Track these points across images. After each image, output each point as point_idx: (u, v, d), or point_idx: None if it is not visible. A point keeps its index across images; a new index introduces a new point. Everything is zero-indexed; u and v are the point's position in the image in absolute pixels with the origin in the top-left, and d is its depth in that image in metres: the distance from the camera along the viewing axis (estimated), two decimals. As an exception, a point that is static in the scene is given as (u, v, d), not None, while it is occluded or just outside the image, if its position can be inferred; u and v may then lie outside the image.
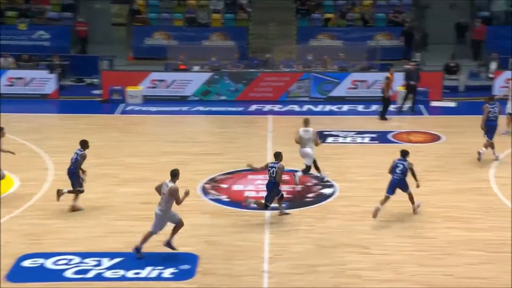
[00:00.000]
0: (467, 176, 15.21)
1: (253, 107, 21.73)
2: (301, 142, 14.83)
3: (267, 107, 21.63)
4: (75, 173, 13.38)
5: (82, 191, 13.45)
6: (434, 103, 21.26)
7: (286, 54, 23.63)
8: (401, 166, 13.14)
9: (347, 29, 25.56)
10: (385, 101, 19.79)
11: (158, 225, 11.50)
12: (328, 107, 21.59)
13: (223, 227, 12.86)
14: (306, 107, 21.59)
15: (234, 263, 11.40)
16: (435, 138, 17.99)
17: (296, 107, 21.66)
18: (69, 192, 13.41)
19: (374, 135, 18.32)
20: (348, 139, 18.04)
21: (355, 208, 13.62)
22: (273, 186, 13.08)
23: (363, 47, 24.49)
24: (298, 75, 22.45)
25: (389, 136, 18.23)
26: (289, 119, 20.41)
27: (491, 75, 21.92)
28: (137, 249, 11.49)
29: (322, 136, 18.25)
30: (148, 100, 22.09)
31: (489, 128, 16.17)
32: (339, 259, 11.52)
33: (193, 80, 22.46)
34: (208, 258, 11.55)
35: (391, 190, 13.12)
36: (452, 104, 21.16)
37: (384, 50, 24.61)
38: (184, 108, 21.60)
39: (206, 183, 15.06)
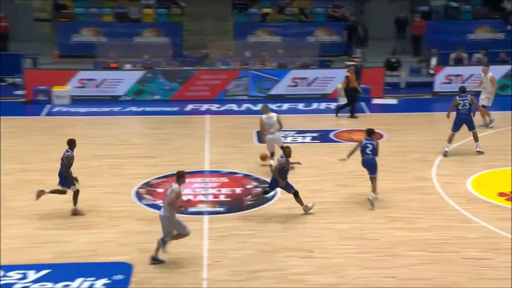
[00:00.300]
0: (409, 175, 15.63)
1: (189, 107, 21.67)
2: (265, 129, 15.47)
3: (204, 107, 21.62)
4: (62, 174, 13.26)
5: (64, 192, 13.34)
6: (376, 101, 21.72)
7: (223, 50, 23.67)
8: (371, 146, 13.80)
9: (285, 25, 25.81)
10: (349, 97, 20.02)
11: (179, 228, 11.53)
12: (267, 106, 21.73)
13: (159, 234, 12.77)
14: (244, 106, 21.69)
15: (171, 272, 11.36)
16: (377, 136, 18.32)
17: (234, 106, 21.73)
18: (74, 198, 13.41)
19: (315, 134, 18.59)
20: (289, 139, 18.23)
21: (296, 210, 13.79)
22: (274, 179, 13.52)
23: (303, 43, 24.78)
24: (236, 72, 22.54)
25: (331, 135, 18.53)
26: (227, 118, 20.47)
27: (431, 71, 22.55)
28: None
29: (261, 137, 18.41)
30: (77, 100, 21.72)
31: (464, 121, 16.75)
32: (281, 264, 11.64)
33: (125, 79, 22.22)
34: (143, 267, 11.46)
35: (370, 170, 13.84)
36: (393, 101, 21.66)
37: (324, 46, 24.98)
38: (116, 109, 21.35)
39: (140, 188, 14.94)
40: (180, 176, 11.54)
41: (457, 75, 22.07)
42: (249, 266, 11.56)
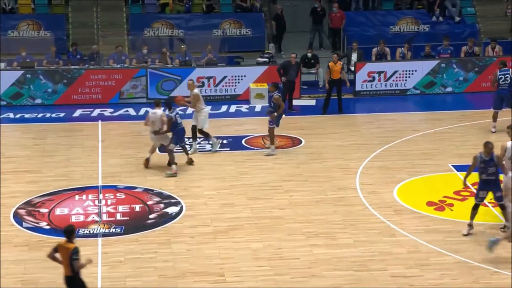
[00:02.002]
0: (330, 184, 15.91)
1: (78, 112, 21.28)
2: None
3: (96, 112, 21.28)
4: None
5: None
6: (293, 102, 21.95)
7: (116, 46, 23.38)
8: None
9: (188, 16, 25.77)
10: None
11: None
12: (169, 109, 21.62)
13: (43, 261, 12.43)
14: (143, 110, 21.44)
15: (59, 306, 11.11)
16: (296, 142, 18.63)
17: (131, 111, 21.48)
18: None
19: (225, 141, 18.63)
20: (196, 146, 18.20)
21: (204, 228, 13.81)
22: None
23: (208, 37, 24.82)
24: (132, 72, 22.30)
25: (243, 142, 18.64)
26: (123, 125, 20.23)
27: (352, 68, 23.07)
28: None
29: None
30: None
31: (504, 97, 18.25)
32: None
33: (-2, 81, 21.60)
34: (26, 302, 11.18)
35: None
36: (310, 102, 22.01)
37: (232, 40, 25.11)
38: (-12, 116, 20.74)
39: (19, 208, 14.55)
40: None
41: (380, 72, 22.68)
42: (151, 296, 11.48)
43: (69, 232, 10.35)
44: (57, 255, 10.38)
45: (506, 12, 25.94)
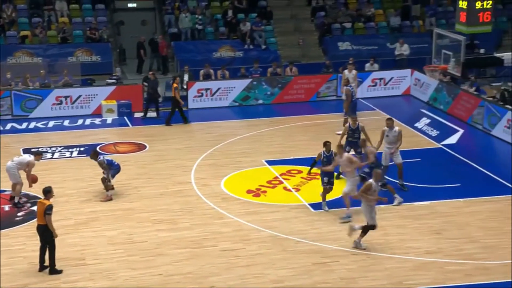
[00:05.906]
0: (170, 180, 15.89)
1: None
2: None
3: (-35, 127, 19.81)
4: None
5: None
6: (137, 114, 21.69)
7: (-17, 72, 21.89)
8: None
9: (46, 46, 24.68)
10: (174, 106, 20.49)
11: None
12: (33, 124, 20.58)
13: None
14: (9, 125, 20.27)
15: None
16: (141, 147, 18.41)
17: (-2, 126, 20.21)
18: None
19: (82, 149, 18.05)
20: (57, 155, 17.49)
21: (66, 221, 13.34)
22: None
23: (64, 64, 23.92)
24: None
25: (97, 149, 18.09)
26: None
27: (185, 86, 23.18)
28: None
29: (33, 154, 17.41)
30: None
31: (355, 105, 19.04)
32: (53, 275, 11.15)
33: None
34: None
35: None
36: (153, 114, 21.84)
37: (85, 65, 24.40)
38: None
39: None
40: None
41: (207, 89, 22.96)
42: (21, 280, 10.97)
43: (46, 191, 11.28)
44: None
45: (299, 42, 27.21)
